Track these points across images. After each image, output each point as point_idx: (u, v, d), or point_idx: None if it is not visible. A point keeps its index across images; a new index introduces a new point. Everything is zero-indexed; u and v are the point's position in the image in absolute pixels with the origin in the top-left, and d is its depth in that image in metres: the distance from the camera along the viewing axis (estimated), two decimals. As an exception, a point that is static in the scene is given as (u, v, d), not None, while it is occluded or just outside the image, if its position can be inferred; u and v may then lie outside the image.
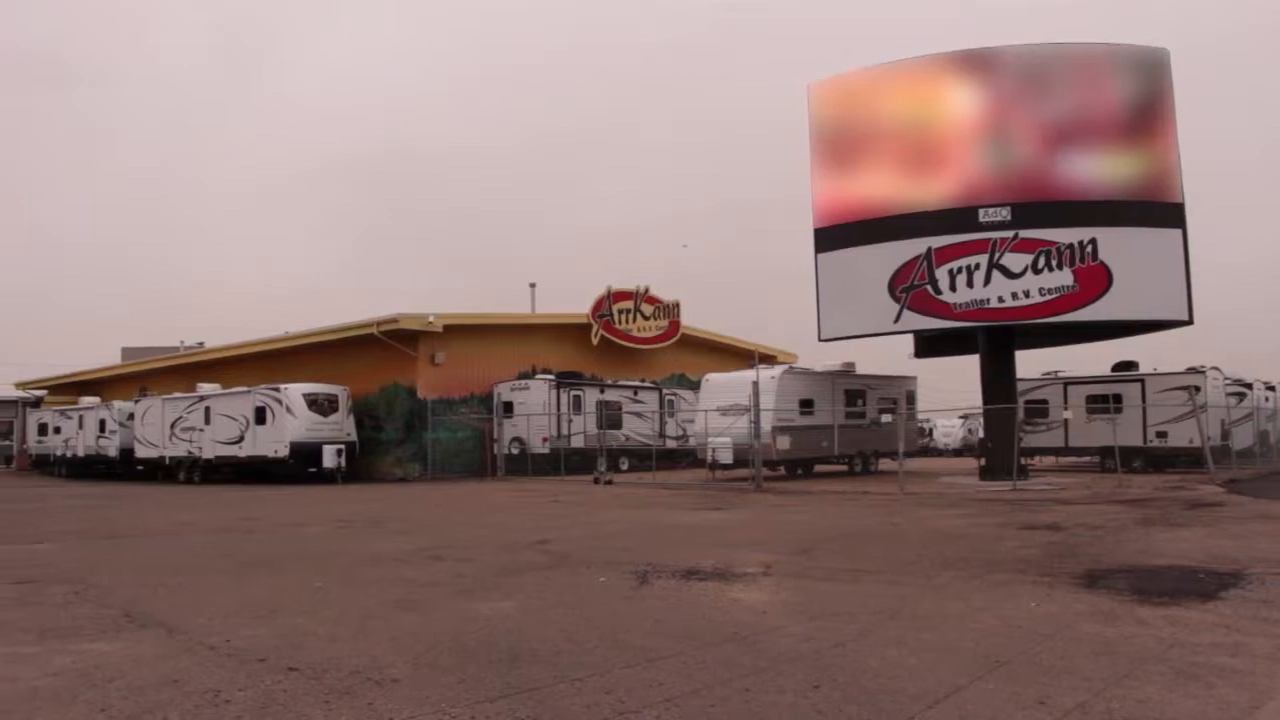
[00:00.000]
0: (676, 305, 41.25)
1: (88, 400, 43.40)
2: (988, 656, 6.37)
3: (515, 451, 33.37)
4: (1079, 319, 24.26)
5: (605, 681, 5.86)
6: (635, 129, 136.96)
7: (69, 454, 42.06)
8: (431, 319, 32.47)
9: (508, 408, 33.88)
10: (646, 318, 40.32)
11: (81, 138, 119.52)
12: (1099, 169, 24.54)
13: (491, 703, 5.43)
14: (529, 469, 32.43)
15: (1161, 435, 29.08)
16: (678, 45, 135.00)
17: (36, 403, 52.19)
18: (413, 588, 9.41)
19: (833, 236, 26.87)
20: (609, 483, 27.75)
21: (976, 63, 25.36)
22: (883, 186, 26.13)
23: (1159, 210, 24.05)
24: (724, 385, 29.42)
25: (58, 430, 43.36)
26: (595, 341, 38.52)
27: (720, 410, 28.05)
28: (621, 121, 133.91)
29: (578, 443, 33.15)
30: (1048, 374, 32.58)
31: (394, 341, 32.62)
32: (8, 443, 52.96)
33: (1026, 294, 24.17)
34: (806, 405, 29.56)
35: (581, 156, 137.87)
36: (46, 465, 44.91)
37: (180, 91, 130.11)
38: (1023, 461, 25.91)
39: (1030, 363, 30.46)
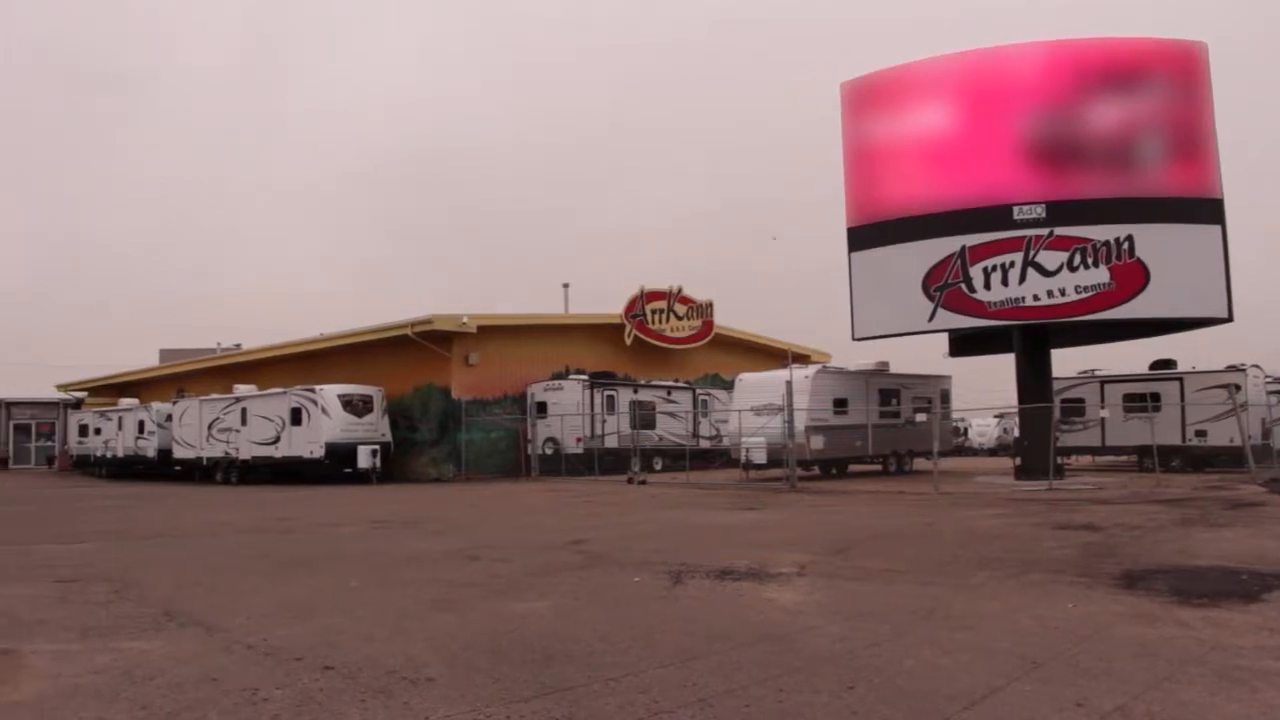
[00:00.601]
0: (709, 305, 41.20)
1: (127, 402, 43.86)
2: (1024, 657, 6.32)
3: (549, 452, 33.43)
4: (1115, 317, 24.03)
5: (639, 681, 5.86)
6: (668, 128, 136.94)
7: (109, 455, 42.52)
8: (465, 320, 32.58)
9: (541, 408, 33.95)
10: (680, 318, 40.29)
11: (117, 142, 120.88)
12: (1135, 164, 24.31)
13: (526, 702, 5.45)
14: (563, 469, 32.49)
15: (1201, 434, 28.77)
16: (711, 45, 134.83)
17: (77, 404, 52.82)
18: (448, 588, 9.45)
19: (866, 235, 26.76)
20: (643, 483, 27.75)
21: (1009, 58, 25.17)
22: (915, 184, 25.99)
23: (1197, 206, 23.79)
24: (758, 385, 29.36)
25: (98, 431, 43.85)
26: (628, 342, 38.53)
27: (754, 410, 27.99)
28: (654, 120, 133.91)
29: (611, 443, 33.17)
30: (1084, 372, 32.31)
31: (428, 342, 32.76)
32: (50, 444, 53.62)
33: (1062, 292, 23.98)
34: (840, 405, 29.45)
35: (613, 157, 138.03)
36: (87, 466, 45.42)
37: (215, 96, 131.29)
38: (1059, 461, 25.71)
39: (1066, 361, 30.23)
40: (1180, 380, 29.67)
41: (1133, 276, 23.62)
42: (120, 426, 41.62)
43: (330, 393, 31.24)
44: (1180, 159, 24.28)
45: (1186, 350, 30.59)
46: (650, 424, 34.37)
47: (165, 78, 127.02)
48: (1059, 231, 24.03)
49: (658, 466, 33.26)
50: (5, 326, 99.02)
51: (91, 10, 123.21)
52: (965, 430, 54.53)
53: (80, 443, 46.08)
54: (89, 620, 7.99)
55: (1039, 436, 24.59)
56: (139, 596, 9.17)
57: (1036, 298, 24.20)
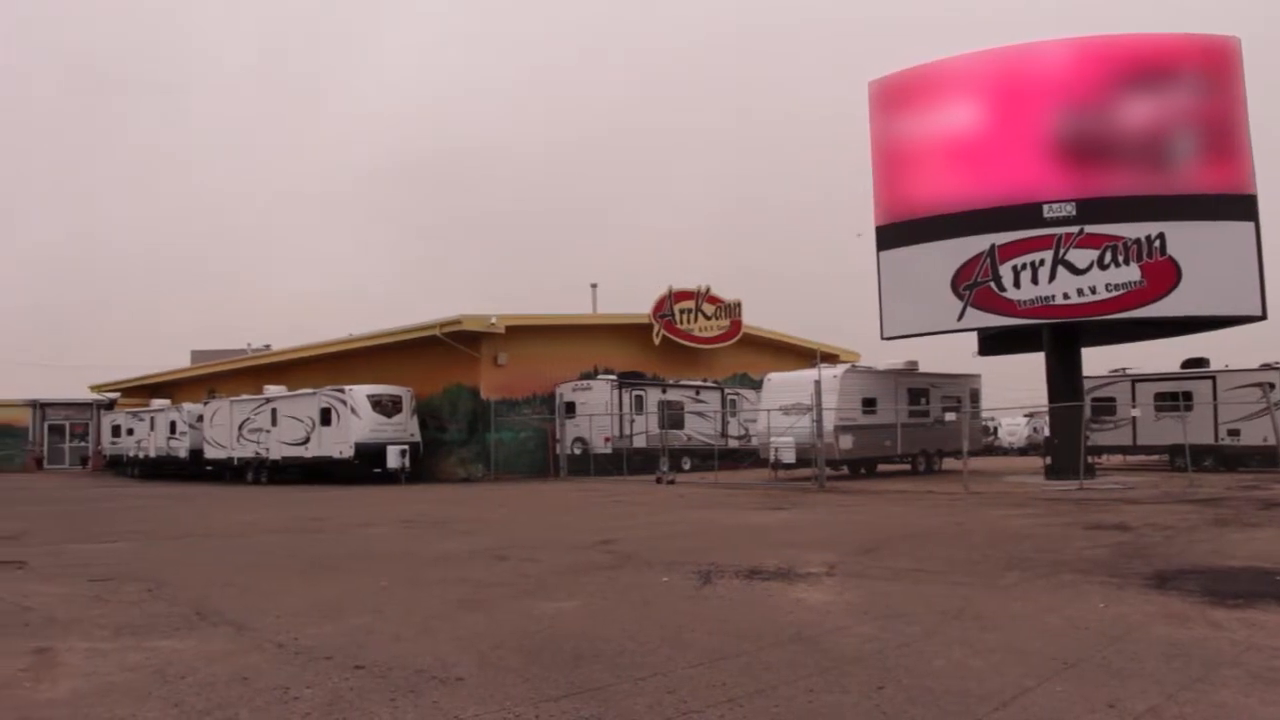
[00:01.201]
0: (738, 305, 41.15)
1: (158, 402, 44.25)
2: (1055, 658, 6.29)
3: (578, 451, 33.49)
4: (1146, 315, 23.86)
5: (668, 681, 5.87)
6: (698, 127, 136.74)
7: (141, 455, 42.91)
8: (494, 320, 32.68)
9: (570, 408, 34.01)
10: (708, 317, 40.25)
11: (146, 146, 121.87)
12: (1167, 161, 24.13)
13: (555, 702, 5.47)
14: (591, 469, 32.53)
15: (1234, 433, 28.52)
16: (739, 44, 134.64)
17: (110, 405, 53.33)
18: (477, 587, 9.49)
19: (894, 234, 26.67)
20: (671, 482, 27.75)
21: (1038, 55, 25.03)
22: (944, 182, 25.89)
23: (1230, 203, 23.57)
24: (786, 384, 29.31)
25: (130, 432, 44.26)
26: (657, 341, 38.53)
27: (782, 409, 27.95)
28: (684, 119, 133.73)
29: (640, 443, 33.19)
30: (1115, 371, 32.09)
31: (457, 343, 32.87)
32: (83, 444, 54.15)
33: (1092, 290, 23.82)
34: (869, 404, 29.36)
35: (643, 156, 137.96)
36: (120, 466, 45.85)
37: (244, 98, 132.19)
38: (1089, 460, 25.54)
39: (1097, 360, 30.06)
40: (1213, 379, 29.41)
41: (1164, 274, 23.43)
42: (152, 427, 42.00)
43: (360, 393, 31.40)
44: (1213, 155, 24.07)
45: (1219, 348, 30.35)
46: (679, 424, 34.35)
47: (195, 81, 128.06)
48: (1089, 229, 23.87)
49: (686, 466, 33.24)
50: (40, 329, 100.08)
51: (122, 16, 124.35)
52: (995, 430, 54.22)
53: (113, 443, 46.52)
54: (122, 619, 8.07)
55: (1069, 436, 24.43)
56: (171, 596, 9.25)
57: (1066, 296, 24.05)
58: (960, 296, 25.23)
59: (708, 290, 40.34)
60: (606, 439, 32.73)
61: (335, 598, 9.10)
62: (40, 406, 53.63)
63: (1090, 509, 17.32)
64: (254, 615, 8.15)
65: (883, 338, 27.31)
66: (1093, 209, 23.90)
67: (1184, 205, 23.58)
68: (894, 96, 27.04)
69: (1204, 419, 28.60)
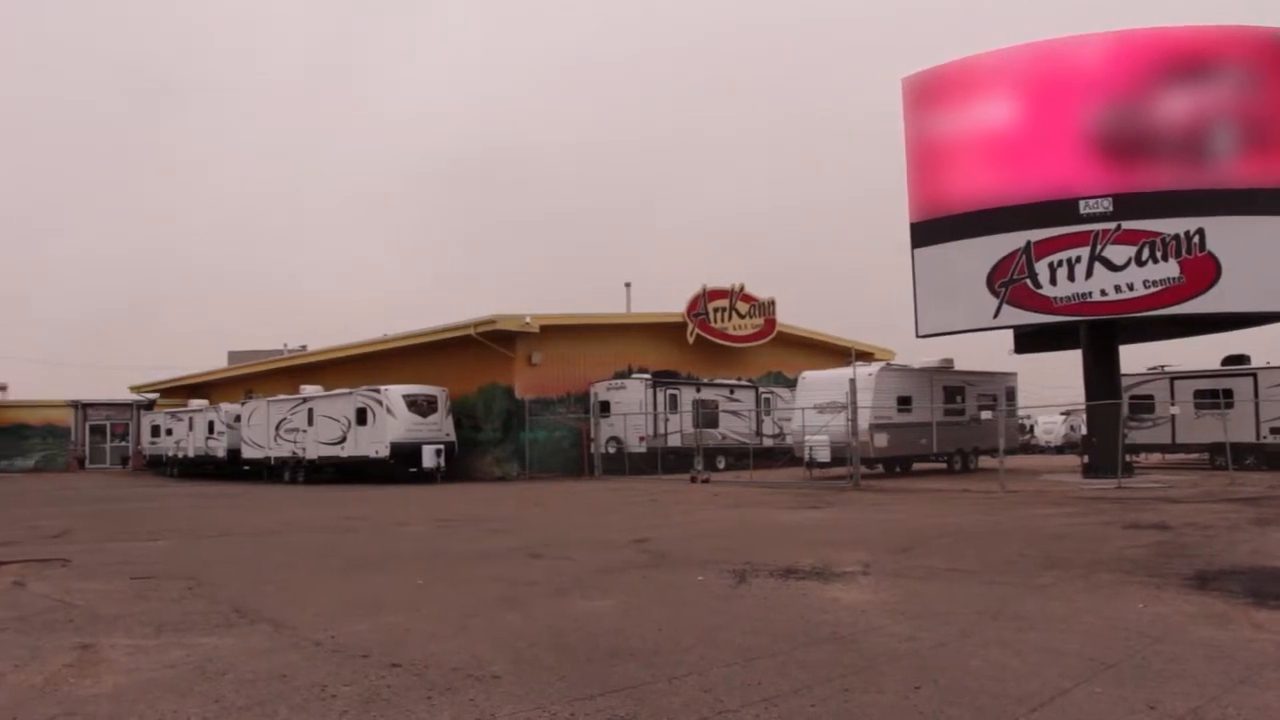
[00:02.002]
0: (772, 303, 41.07)
1: (197, 403, 44.67)
2: (1093, 659, 6.24)
3: (612, 451, 33.53)
4: (1185, 312, 23.61)
5: (704, 680, 5.87)
6: (731, 126, 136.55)
7: (180, 454, 43.36)
8: (528, 320, 32.77)
9: (604, 407, 34.06)
10: (742, 316, 40.20)
11: (185, 151, 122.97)
12: (1207, 155, 23.86)
13: (590, 700, 5.48)
14: (626, 468, 32.57)
15: (1276, 431, 28.17)
16: (772, 42, 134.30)
17: (149, 405, 53.90)
18: (512, 586, 9.52)
19: (929, 231, 26.53)
20: (706, 481, 27.74)
21: (1075, 49, 24.82)
22: (979, 179, 25.73)
23: (1272, 197, 23.26)
24: (821, 383, 29.22)
25: (169, 432, 44.71)
26: (691, 340, 38.52)
27: (817, 408, 27.87)
28: (717, 119, 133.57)
29: (674, 442, 33.20)
30: (1154, 368, 31.77)
31: (491, 342, 33.00)
32: (124, 444, 54.76)
33: (1130, 287, 23.60)
34: (904, 402, 29.23)
35: (676, 155, 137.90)
36: (159, 465, 46.33)
37: (281, 102, 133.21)
38: (1128, 459, 25.31)
39: (1135, 357, 29.75)
40: (1254, 376, 29.06)
41: (1204, 270, 23.17)
42: (191, 427, 42.41)
43: (395, 393, 31.57)
44: (1254, 149, 23.77)
45: (1261, 345, 30.00)
46: (713, 423, 34.33)
47: (234, 85, 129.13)
48: (1127, 225, 23.65)
49: (721, 465, 33.23)
50: (81, 329, 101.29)
51: (163, 22, 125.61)
52: (1031, 428, 53.84)
53: (153, 443, 47.02)
54: (163, 616, 8.16)
55: (1107, 434, 24.22)
56: (210, 594, 9.35)
57: (1104, 293, 23.84)
58: (996, 294, 25.07)
59: (742, 289, 40.29)
60: (641, 438, 32.76)
61: (372, 596, 9.16)
62: (82, 407, 54.28)
63: (1129, 508, 17.16)
64: (292, 613, 8.22)
65: (918, 335, 27.18)
66: (1130, 205, 23.68)
67: (1224, 200, 23.31)
68: (928, 93, 26.89)
69: (1245, 417, 28.26)
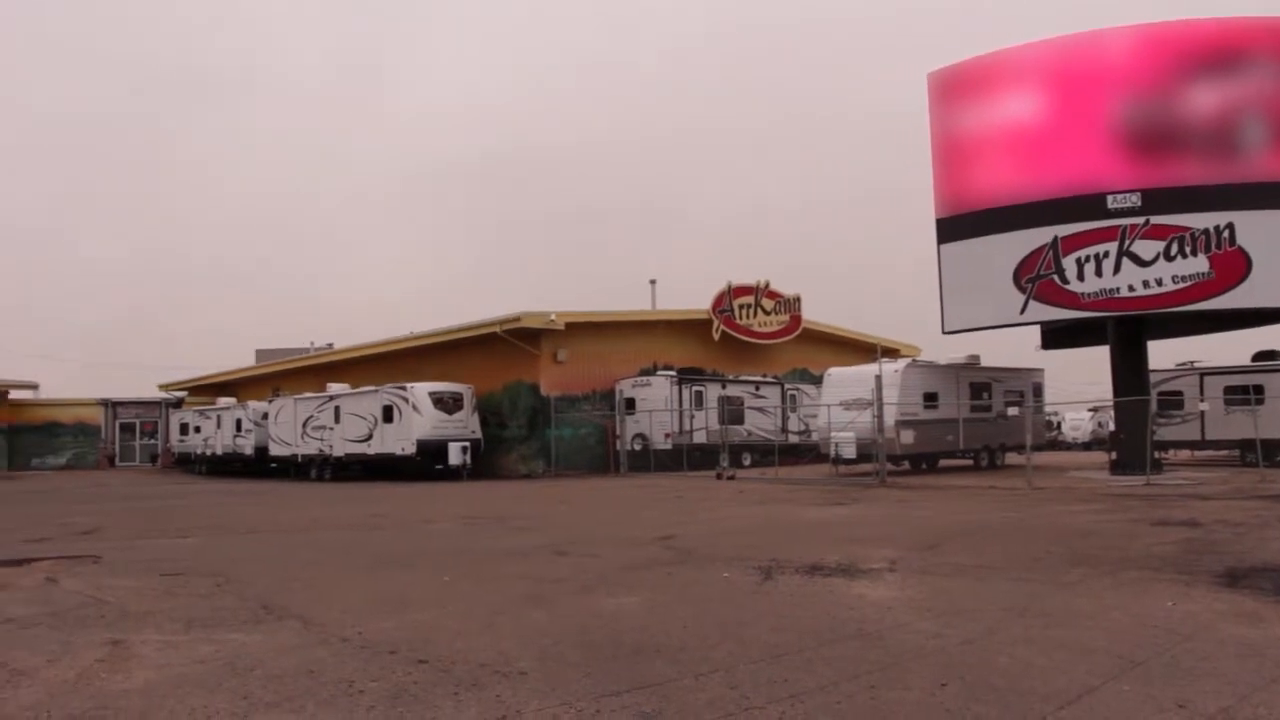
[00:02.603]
0: (797, 300, 40.96)
1: (224, 401, 44.99)
2: (1122, 657, 6.21)
3: (638, 448, 33.54)
4: (1215, 308, 23.41)
5: (729, 677, 5.88)
6: (753, 123, 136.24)
7: (208, 452, 43.67)
8: (553, 317, 32.82)
9: (630, 404, 34.08)
10: (767, 312, 40.11)
11: (212, 150, 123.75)
12: (1236, 149, 23.64)
13: (616, 696, 5.50)
14: (651, 465, 32.57)
15: (1308, 427, 27.88)
16: (798, 36, 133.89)
17: (178, 403, 54.33)
18: (538, 583, 9.55)
19: (955, 226, 26.42)
20: (731, 478, 27.72)
21: (1102, 43, 24.64)
22: (1006, 174, 25.59)
23: (1302, 192, 23.03)
24: (846, 379, 29.15)
25: (197, 430, 45.03)
26: (716, 337, 38.47)
27: (843, 404, 27.81)
28: (742, 116, 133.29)
29: (700, 438, 33.19)
30: (1183, 364, 31.52)
31: (517, 340, 33.07)
32: (153, 442, 55.20)
33: (1158, 282, 23.42)
34: (930, 399, 29.11)
35: (702, 153, 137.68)
36: (188, 463, 46.67)
37: (305, 101, 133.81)
38: (1156, 455, 25.12)
39: (1164, 353, 29.54)
40: (1285, 371, 28.80)
41: (1234, 265, 22.97)
42: (219, 425, 42.71)
43: (421, 390, 31.69)
44: (1285, 142, 23.52)
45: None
46: (739, 419, 34.30)
47: (259, 84, 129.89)
48: (1155, 220, 23.47)
49: (746, 462, 33.18)
50: (111, 328, 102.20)
51: (183, 20, 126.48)
52: (1058, 424, 53.49)
53: (181, 441, 47.36)
54: (192, 612, 8.23)
55: (1135, 430, 24.04)
56: (239, 590, 9.42)
57: (1131, 288, 23.67)
58: (1022, 289, 24.93)
59: (767, 285, 40.20)
60: (667, 435, 32.75)
61: (399, 593, 9.21)
62: (112, 405, 54.76)
63: (1157, 505, 17.04)
64: (319, 610, 8.27)
65: (944, 331, 27.08)
66: (1159, 199, 23.49)
67: (1255, 194, 23.09)
68: (953, 88, 26.77)
69: (1276, 413, 27.98)
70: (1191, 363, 31.45)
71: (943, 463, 31.22)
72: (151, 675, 6.16)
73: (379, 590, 9.44)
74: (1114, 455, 25.61)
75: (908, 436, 27.91)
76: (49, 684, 5.99)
